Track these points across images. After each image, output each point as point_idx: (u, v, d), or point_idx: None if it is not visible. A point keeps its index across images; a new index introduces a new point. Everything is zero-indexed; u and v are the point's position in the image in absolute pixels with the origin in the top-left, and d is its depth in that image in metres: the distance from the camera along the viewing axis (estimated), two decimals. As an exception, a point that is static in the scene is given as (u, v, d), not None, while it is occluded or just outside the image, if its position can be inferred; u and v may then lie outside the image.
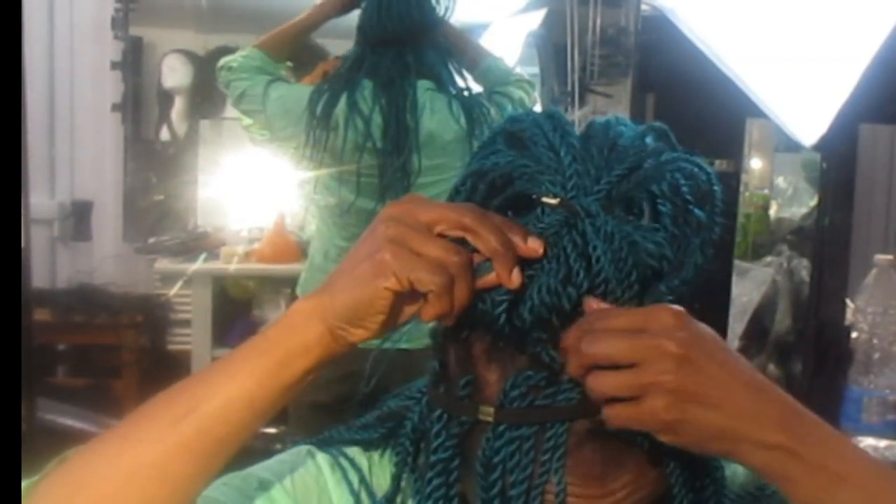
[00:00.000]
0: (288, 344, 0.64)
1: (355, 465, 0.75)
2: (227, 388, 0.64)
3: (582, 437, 0.61)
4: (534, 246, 0.62)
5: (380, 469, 0.75)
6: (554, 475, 0.61)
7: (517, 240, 0.61)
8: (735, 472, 0.75)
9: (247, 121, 2.17)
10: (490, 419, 0.63)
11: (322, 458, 0.75)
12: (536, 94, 2.25)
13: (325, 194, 2.13)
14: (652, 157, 0.66)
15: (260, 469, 0.74)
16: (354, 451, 0.76)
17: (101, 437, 0.65)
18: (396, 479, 0.72)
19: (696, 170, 0.67)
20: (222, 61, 2.19)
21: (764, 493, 0.74)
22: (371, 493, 0.73)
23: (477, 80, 2.25)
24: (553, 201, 0.63)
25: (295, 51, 2.29)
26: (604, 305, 0.61)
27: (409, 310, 0.64)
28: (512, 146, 0.68)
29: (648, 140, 0.68)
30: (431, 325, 0.68)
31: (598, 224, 0.62)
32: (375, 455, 0.76)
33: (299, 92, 2.12)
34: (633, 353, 0.57)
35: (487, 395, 0.64)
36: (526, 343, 0.63)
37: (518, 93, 2.18)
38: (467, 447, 0.65)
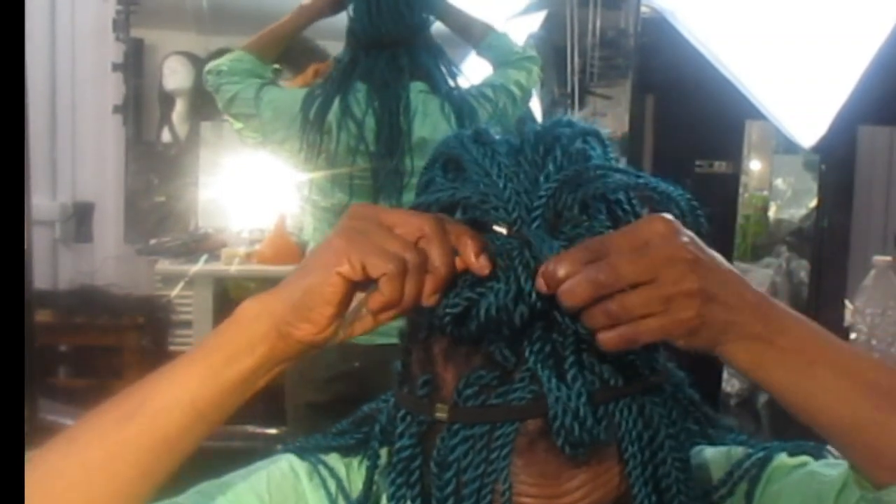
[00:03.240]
0: (233, 342, 0.64)
1: (333, 472, 0.75)
2: (171, 387, 0.64)
3: (534, 437, 0.61)
4: (482, 265, 0.62)
5: (357, 475, 0.76)
6: (500, 475, 0.61)
7: (469, 254, 0.62)
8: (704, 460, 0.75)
9: (237, 124, 2.17)
10: (445, 417, 0.63)
11: (300, 466, 0.75)
12: (538, 71, 2.21)
13: (320, 197, 2.13)
14: (579, 162, 0.66)
15: (236, 477, 0.74)
16: (332, 458, 0.76)
17: (55, 438, 0.65)
18: (368, 482, 0.72)
19: (624, 177, 0.66)
20: (209, 65, 2.18)
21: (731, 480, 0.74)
22: (348, 499, 0.74)
23: (481, 54, 2.24)
24: (502, 230, 0.64)
25: (284, 51, 2.28)
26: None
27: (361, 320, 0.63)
28: (450, 171, 0.69)
29: (578, 145, 0.68)
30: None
31: (547, 248, 0.62)
32: (354, 461, 0.76)
33: (291, 95, 2.11)
34: (651, 270, 0.58)
35: (444, 394, 0.64)
36: (480, 343, 0.63)
37: (517, 75, 2.15)
38: (428, 447, 0.65)
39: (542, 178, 0.65)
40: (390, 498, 0.66)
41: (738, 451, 0.76)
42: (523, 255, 0.62)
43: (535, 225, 0.63)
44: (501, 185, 0.65)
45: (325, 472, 0.75)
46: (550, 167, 0.65)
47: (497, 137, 0.69)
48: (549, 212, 0.64)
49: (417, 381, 0.66)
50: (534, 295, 0.61)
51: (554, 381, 0.60)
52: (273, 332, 0.63)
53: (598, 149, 0.69)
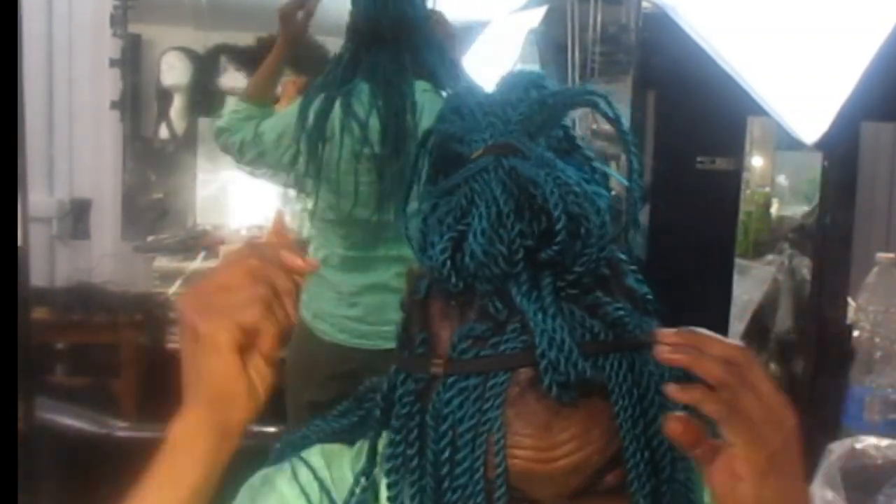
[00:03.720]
0: (184, 468, 0.68)
1: (310, 466, 0.76)
2: None
3: (525, 387, 0.62)
4: (310, 263, 0.72)
5: (355, 457, 0.76)
6: (493, 424, 0.62)
7: (294, 263, 0.71)
8: None
9: (258, 170, 2.19)
10: (440, 371, 0.64)
11: (280, 478, 0.76)
12: None
13: (325, 211, 2.12)
14: (553, 95, 0.70)
15: None
16: (313, 452, 0.77)
17: None
18: (371, 450, 0.73)
19: (595, 98, 0.71)
20: (215, 127, 2.23)
21: None
22: (327, 493, 0.75)
23: None
24: (478, 152, 0.67)
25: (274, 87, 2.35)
26: None
27: (263, 368, 0.70)
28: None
29: (547, 85, 0.72)
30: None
31: (524, 154, 0.66)
32: (339, 452, 0.78)
33: (286, 114, 2.12)
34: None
35: (440, 351, 0.65)
36: (473, 298, 0.65)
37: None
38: (426, 403, 0.66)
39: (508, 109, 0.69)
40: (388, 457, 0.67)
41: None
42: (498, 172, 0.65)
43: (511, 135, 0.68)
44: (480, 117, 0.69)
45: (305, 473, 0.76)
46: (514, 98, 0.70)
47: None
48: (524, 133, 0.68)
49: (415, 340, 0.67)
50: (511, 216, 0.63)
51: (540, 315, 0.62)
52: (213, 432, 0.69)
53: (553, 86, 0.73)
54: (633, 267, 0.71)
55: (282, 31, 2.21)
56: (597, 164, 0.71)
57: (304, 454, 0.77)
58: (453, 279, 0.65)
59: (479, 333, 0.63)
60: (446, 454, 0.63)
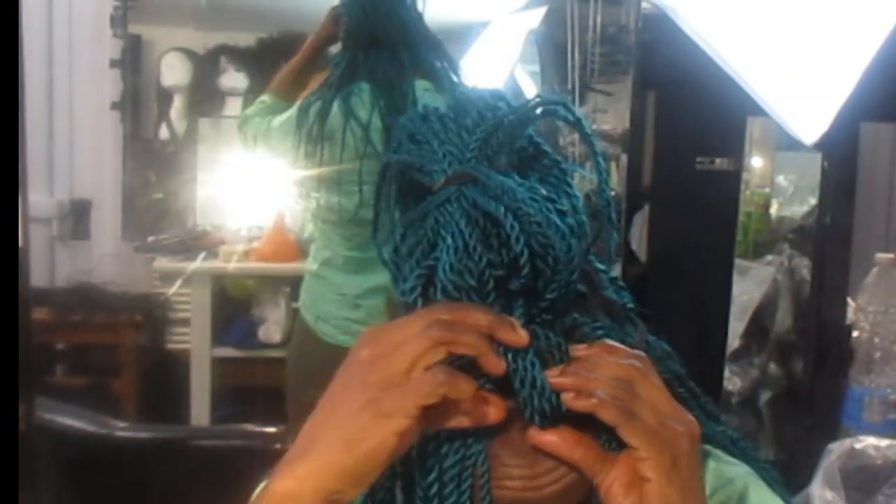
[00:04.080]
0: None
1: None
2: None
3: (510, 416, 0.62)
4: (521, 335, 0.62)
5: None
6: (478, 457, 0.62)
7: (501, 331, 0.62)
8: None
9: (282, 158, 2.18)
10: None
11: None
12: None
13: (327, 213, 2.12)
14: (511, 114, 0.68)
15: None
16: None
17: None
18: None
19: (553, 107, 0.69)
20: (240, 116, 2.23)
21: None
22: None
23: None
24: (439, 183, 0.66)
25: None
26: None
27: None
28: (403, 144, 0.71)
29: (501, 104, 0.70)
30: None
31: (485, 183, 0.63)
32: None
33: (293, 113, 2.12)
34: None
35: None
36: None
37: None
38: None
39: (464, 135, 0.67)
40: (373, 490, 0.66)
41: (722, 470, 0.76)
42: (461, 203, 0.63)
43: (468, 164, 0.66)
44: (436, 146, 0.67)
45: None
46: (469, 123, 0.68)
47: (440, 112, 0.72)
48: (482, 158, 0.66)
49: None
50: (478, 248, 0.62)
51: (510, 354, 0.61)
52: (344, 479, 0.59)
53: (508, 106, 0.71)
54: (611, 276, 0.70)
55: (323, 27, 2.18)
56: (565, 165, 0.69)
57: None
58: None
59: (459, 366, 0.62)
60: (434, 489, 0.62)
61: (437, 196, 0.65)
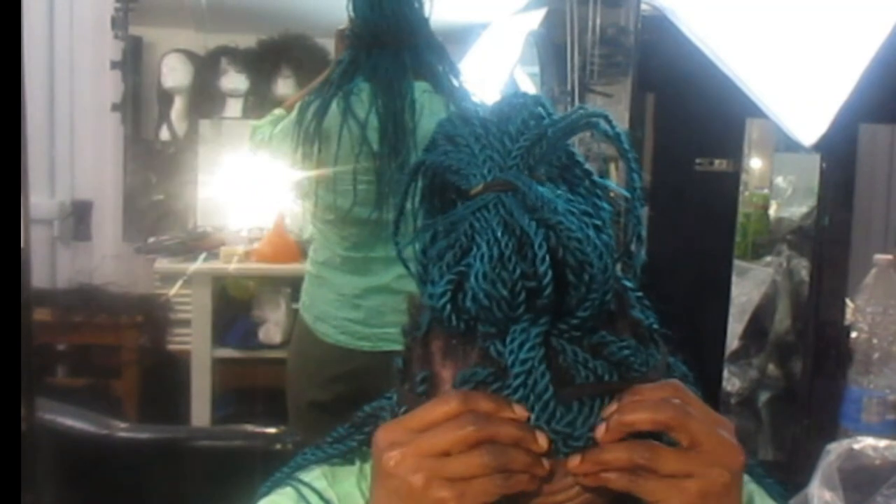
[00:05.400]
0: None
1: (314, 489, 0.75)
2: None
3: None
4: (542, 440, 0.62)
5: (359, 472, 0.76)
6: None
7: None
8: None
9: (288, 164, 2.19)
10: None
11: (285, 502, 0.75)
12: None
13: (325, 212, 2.13)
14: (552, 124, 0.67)
15: None
16: (314, 475, 0.76)
17: None
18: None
19: (595, 120, 0.68)
20: (251, 127, 2.26)
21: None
22: None
23: None
24: (478, 188, 0.64)
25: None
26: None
27: None
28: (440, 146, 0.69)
29: (540, 111, 0.69)
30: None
31: (525, 194, 0.62)
32: (366, 466, 0.76)
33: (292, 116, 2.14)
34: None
35: (442, 391, 0.64)
36: (475, 339, 0.63)
37: None
38: None
39: (507, 141, 0.66)
40: None
41: None
42: (499, 211, 0.62)
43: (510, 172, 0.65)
44: (476, 151, 0.66)
45: (307, 492, 0.75)
46: (513, 130, 0.66)
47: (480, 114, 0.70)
48: (524, 167, 0.65)
49: (416, 379, 0.66)
50: (513, 258, 0.61)
51: (522, 377, 0.61)
52: None
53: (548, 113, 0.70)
54: (638, 293, 0.69)
55: (337, 50, 2.19)
56: (596, 178, 0.68)
57: (306, 477, 0.76)
58: (454, 321, 0.63)
59: (481, 379, 0.62)
60: None
61: (474, 201, 0.64)
